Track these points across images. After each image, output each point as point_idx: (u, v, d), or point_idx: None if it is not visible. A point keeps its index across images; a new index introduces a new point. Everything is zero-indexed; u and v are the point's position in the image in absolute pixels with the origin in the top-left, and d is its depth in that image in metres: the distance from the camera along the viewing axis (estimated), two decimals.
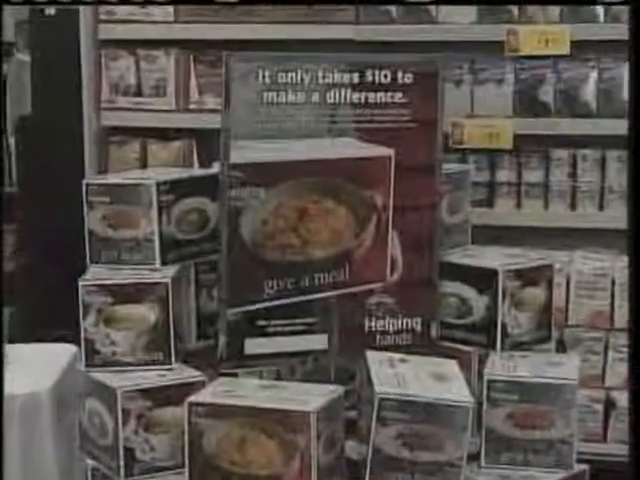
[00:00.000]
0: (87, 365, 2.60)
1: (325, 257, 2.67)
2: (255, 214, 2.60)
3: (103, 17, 3.68)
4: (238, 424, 2.39)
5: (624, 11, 3.09)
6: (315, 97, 2.61)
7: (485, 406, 2.57)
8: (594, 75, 3.40)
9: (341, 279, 2.69)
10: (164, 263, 2.64)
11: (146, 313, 2.58)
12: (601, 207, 3.44)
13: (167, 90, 3.70)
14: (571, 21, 3.35)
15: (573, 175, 3.48)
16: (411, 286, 2.74)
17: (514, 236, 3.36)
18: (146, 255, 2.63)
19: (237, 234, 2.59)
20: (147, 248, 2.63)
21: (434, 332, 2.78)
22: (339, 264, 2.68)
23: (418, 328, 2.77)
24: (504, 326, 2.72)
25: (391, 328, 2.75)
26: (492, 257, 2.80)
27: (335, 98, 2.62)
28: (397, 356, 2.61)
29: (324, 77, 2.61)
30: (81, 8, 3.63)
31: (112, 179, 2.78)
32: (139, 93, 3.74)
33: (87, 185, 2.68)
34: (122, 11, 3.65)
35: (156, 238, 2.63)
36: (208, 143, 3.45)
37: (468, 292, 2.76)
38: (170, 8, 3.61)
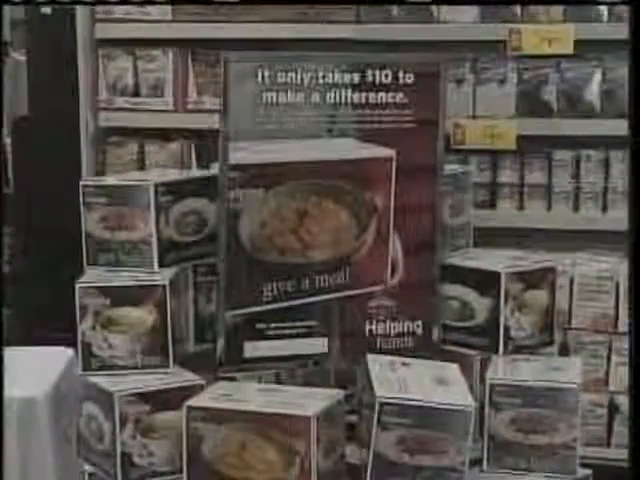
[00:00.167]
0: (84, 369, 2.59)
1: (325, 259, 2.66)
2: (254, 216, 2.60)
3: (100, 16, 3.68)
4: (237, 428, 2.39)
5: (628, 10, 3.09)
6: (315, 97, 2.61)
7: (487, 410, 2.57)
8: (598, 75, 3.40)
9: (341, 282, 2.69)
10: (162, 265, 2.64)
11: (144, 316, 2.58)
12: (604, 209, 3.44)
13: (165, 90, 3.70)
14: (574, 20, 3.35)
15: (576, 176, 3.48)
16: (412, 289, 2.74)
17: (516, 238, 3.36)
18: (144, 257, 2.63)
19: (236, 236, 2.59)
20: (145, 250, 2.63)
21: (435, 335, 2.78)
22: (339, 266, 2.68)
23: (419, 331, 2.77)
24: (506, 329, 2.72)
25: (392, 331, 2.75)
26: (494, 259, 2.80)
27: (335, 98, 2.62)
28: (398, 360, 2.61)
29: (324, 77, 2.61)
30: (78, 7, 3.63)
31: (109, 180, 2.78)
32: (137, 93, 3.74)
33: (84, 186, 2.68)
34: (119, 10, 3.65)
35: (154, 240, 2.63)
36: (206, 144, 3.46)
37: (470, 295, 2.76)
38: (168, 7, 3.62)
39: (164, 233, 2.65)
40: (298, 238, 2.64)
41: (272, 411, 2.38)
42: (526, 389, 2.56)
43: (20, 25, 4.33)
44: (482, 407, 2.56)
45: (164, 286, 2.58)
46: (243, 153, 2.56)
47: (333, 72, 2.61)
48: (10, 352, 2.48)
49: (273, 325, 2.65)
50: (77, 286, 2.58)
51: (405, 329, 2.76)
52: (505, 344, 2.72)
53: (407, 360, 2.62)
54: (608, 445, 3.39)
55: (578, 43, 3.33)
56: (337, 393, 2.50)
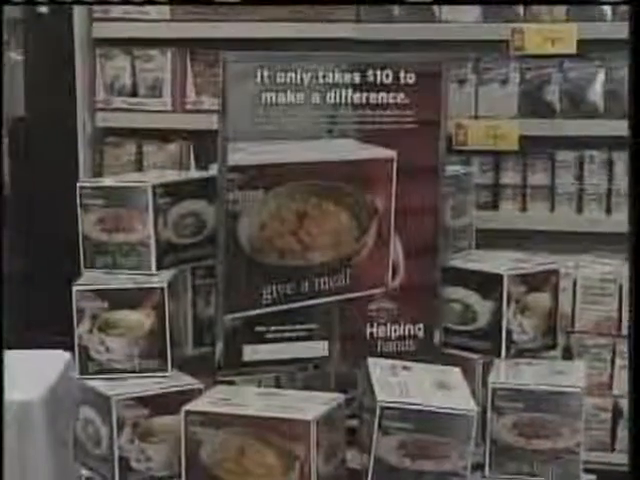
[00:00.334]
0: (81, 372, 2.59)
1: (325, 262, 2.66)
2: (253, 217, 2.60)
3: (98, 15, 3.69)
4: (236, 433, 2.39)
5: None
6: (315, 97, 2.61)
7: (489, 415, 2.56)
8: (601, 75, 3.41)
9: (342, 284, 2.69)
10: (160, 268, 2.64)
11: (142, 319, 2.58)
12: (608, 210, 3.44)
13: (163, 90, 3.71)
14: (578, 19, 3.36)
15: (579, 177, 3.48)
16: (413, 291, 2.74)
17: (519, 240, 3.36)
18: (142, 260, 2.63)
19: (235, 238, 2.59)
20: (143, 252, 2.63)
21: (437, 339, 2.77)
22: (339, 269, 2.68)
23: (421, 335, 2.77)
24: (509, 333, 2.72)
25: (393, 334, 2.75)
26: (496, 262, 2.80)
27: (336, 98, 2.62)
28: (399, 363, 2.61)
29: (324, 77, 2.61)
30: (76, 6, 3.63)
31: (107, 182, 2.78)
32: (134, 93, 3.75)
33: (81, 188, 2.67)
34: (117, 10, 3.66)
35: (152, 242, 2.63)
36: (205, 145, 3.46)
37: (472, 298, 2.75)
38: (166, 6, 3.62)
39: (162, 235, 2.65)
40: (298, 240, 2.64)
41: (271, 415, 2.38)
42: (529, 393, 2.56)
43: (17, 24, 4.33)
44: (484, 411, 2.56)
45: (162, 289, 2.58)
46: (242, 154, 2.56)
47: (333, 72, 2.61)
48: (6, 355, 2.48)
49: (273, 328, 2.65)
50: (74, 289, 2.58)
51: (406, 332, 2.76)
52: (507, 347, 2.72)
53: (408, 364, 2.61)
54: (612, 450, 3.39)
55: (581, 43, 3.33)
56: (337, 397, 2.50)
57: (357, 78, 2.63)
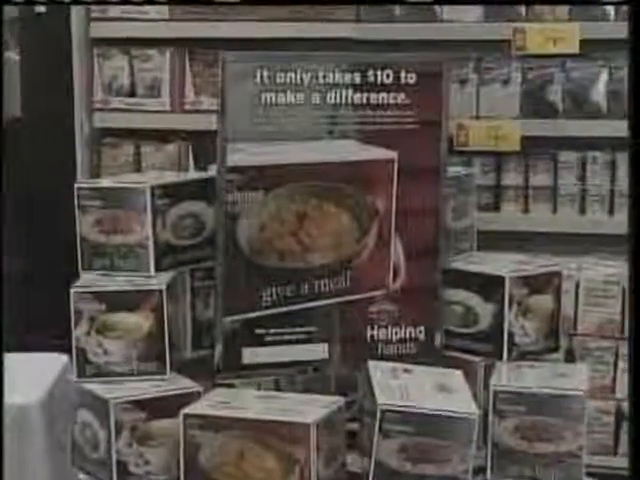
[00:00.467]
0: (79, 375, 2.59)
1: (325, 263, 2.67)
2: (253, 219, 2.60)
3: (95, 15, 3.69)
4: (235, 436, 2.39)
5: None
6: (315, 98, 2.61)
7: (491, 418, 2.57)
8: (604, 75, 3.41)
9: (342, 286, 2.69)
10: (159, 270, 2.64)
11: (140, 321, 2.58)
12: (611, 212, 3.45)
13: (162, 90, 3.71)
14: (580, 19, 3.36)
15: (582, 178, 3.48)
16: (414, 293, 2.75)
17: (521, 242, 3.37)
18: (140, 261, 2.63)
19: (234, 239, 2.59)
20: (141, 254, 2.63)
21: (438, 341, 2.78)
22: (340, 271, 2.68)
23: (422, 337, 2.77)
24: (511, 335, 2.72)
25: (394, 337, 2.75)
26: (498, 263, 2.80)
27: (336, 99, 2.63)
28: (400, 366, 2.61)
29: (324, 77, 2.61)
30: (73, 6, 3.64)
31: (105, 183, 2.78)
32: (133, 93, 3.75)
33: (79, 189, 2.68)
34: (115, 9, 3.66)
35: (150, 244, 2.63)
36: (204, 145, 3.47)
37: (473, 300, 2.76)
38: (165, 6, 3.62)
39: (161, 237, 2.66)
40: (298, 241, 2.65)
41: (271, 418, 2.38)
42: (531, 396, 2.56)
43: (13, 24, 4.34)
44: (486, 414, 2.56)
45: (161, 291, 2.59)
46: (241, 155, 2.57)
47: (333, 72, 2.61)
48: (4, 358, 2.48)
49: (272, 331, 2.65)
50: (72, 291, 2.58)
51: (407, 335, 2.76)
52: (509, 350, 2.73)
53: (409, 366, 2.62)
54: (615, 454, 3.40)
55: (584, 42, 3.34)
56: (337, 400, 2.51)
57: (357, 78, 2.64)
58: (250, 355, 2.65)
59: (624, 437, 3.36)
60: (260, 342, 2.65)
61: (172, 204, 2.68)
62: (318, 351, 2.70)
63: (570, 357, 3.32)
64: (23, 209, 4.00)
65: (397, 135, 2.67)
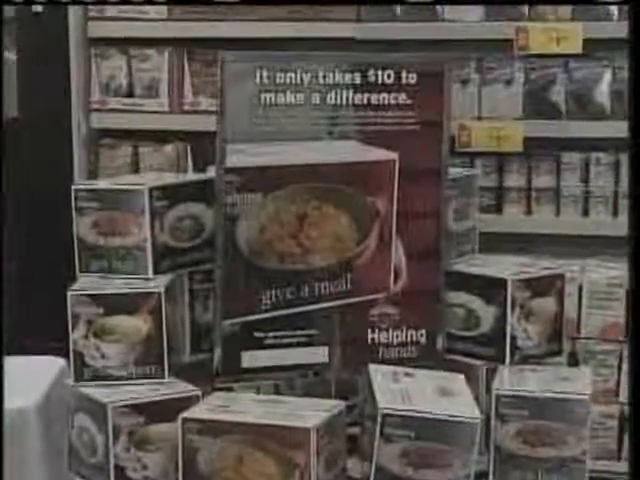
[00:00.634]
0: (76, 379, 2.59)
1: (326, 266, 2.67)
2: (252, 221, 2.60)
3: (93, 14, 3.69)
4: (234, 441, 2.39)
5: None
6: (315, 98, 2.61)
7: (493, 422, 2.57)
8: (607, 75, 3.42)
9: (342, 289, 2.69)
10: (157, 272, 2.64)
11: (138, 325, 2.58)
12: (615, 213, 3.45)
13: (160, 91, 3.71)
14: (583, 18, 3.36)
15: (585, 180, 3.49)
16: (416, 296, 2.75)
17: (523, 244, 3.37)
18: (138, 264, 2.63)
19: (233, 241, 2.60)
20: (139, 257, 2.63)
21: (440, 345, 2.78)
22: (340, 273, 2.68)
23: (423, 340, 2.77)
24: (513, 338, 2.72)
25: (395, 340, 2.75)
26: (500, 266, 2.80)
27: (336, 99, 2.63)
28: (401, 370, 2.61)
29: (324, 77, 2.61)
30: (73, 6, 3.64)
31: (102, 184, 2.78)
32: (131, 94, 3.75)
33: (76, 190, 2.68)
34: (113, 8, 3.66)
35: (148, 246, 2.63)
36: (203, 146, 3.47)
37: (475, 303, 2.76)
38: (163, 5, 3.63)
39: (159, 239, 2.66)
40: (298, 243, 2.65)
41: (271, 423, 2.38)
42: (533, 400, 2.56)
43: (10, 23, 4.34)
44: (488, 419, 2.56)
45: (159, 294, 2.59)
46: (241, 156, 2.57)
47: (334, 72, 2.61)
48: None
49: (272, 334, 2.65)
50: (69, 294, 2.58)
51: (408, 338, 2.76)
52: (512, 354, 2.73)
53: (410, 370, 2.62)
54: (619, 459, 3.40)
55: (587, 42, 3.34)
56: (338, 404, 2.50)
57: (358, 78, 2.64)
58: (249, 359, 2.65)
59: (628, 442, 3.36)
60: (260, 345, 2.65)
61: (170, 206, 2.68)
62: (318, 354, 2.70)
63: (573, 361, 3.32)
64: (19, 210, 4.00)
65: (398, 136, 2.67)
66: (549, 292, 2.77)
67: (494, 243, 3.04)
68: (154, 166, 3.70)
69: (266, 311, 2.63)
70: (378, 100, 2.65)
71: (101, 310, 2.57)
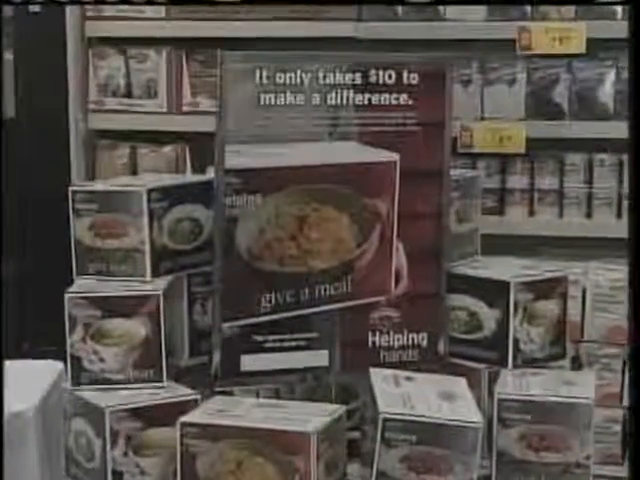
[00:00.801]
0: (73, 383, 2.60)
1: (326, 268, 2.67)
2: (252, 223, 2.60)
3: (91, 14, 3.69)
4: (233, 446, 2.39)
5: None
6: (315, 99, 2.61)
7: (496, 427, 2.57)
8: (611, 75, 3.41)
9: (343, 292, 2.70)
10: (155, 275, 2.65)
11: (136, 328, 2.58)
12: (619, 215, 3.45)
13: (158, 91, 3.71)
14: (587, 18, 3.36)
15: (589, 181, 3.48)
16: (417, 299, 2.75)
17: (526, 246, 3.37)
18: (136, 266, 2.63)
19: (233, 244, 2.60)
20: (137, 259, 2.63)
21: (442, 348, 2.78)
22: (341, 276, 2.69)
23: (425, 344, 2.77)
24: (516, 342, 2.72)
25: (396, 344, 2.75)
26: (503, 268, 2.80)
27: (337, 100, 2.63)
28: (402, 374, 2.61)
29: (325, 77, 2.62)
30: (73, 5, 3.64)
31: (100, 186, 2.78)
32: (129, 94, 3.75)
33: (73, 192, 2.68)
34: (111, 8, 3.66)
35: (147, 248, 2.63)
36: (202, 147, 3.47)
37: (477, 305, 2.76)
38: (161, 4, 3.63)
39: (157, 241, 2.66)
40: (297, 246, 2.65)
41: (270, 427, 2.38)
42: (536, 404, 2.56)
43: (7, 22, 4.34)
44: (490, 423, 2.56)
45: (157, 296, 2.59)
46: (240, 157, 2.57)
47: (334, 72, 2.62)
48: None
49: (271, 337, 2.65)
50: (66, 296, 2.58)
51: (410, 341, 2.76)
52: (514, 357, 2.73)
53: (412, 374, 2.62)
54: (623, 463, 3.39)
55: (591, 42, 3.33)
56: (339, 408, 2.50)
57: (359, 79, 2.64)
58: (249, 362, 2.65)
59: None
60: (259, 349, 2.65)
61: (169, 207, 2.68)
62: (318, 358, 2.70)
63: (577, 364, 3.32)
64: (16, 212, 4.00)
65: (399, 137, 2.67)
66: (552, 295, 2.78)
67: (496, 245, 3.04)
68: (152, 167, 3.69)
69: (265, 314, 2.63)
70: (379, 101, 2.66)
71: (99, 313, 2.57)
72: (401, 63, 2.67)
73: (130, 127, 3.73)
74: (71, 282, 2.66)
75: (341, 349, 2.71)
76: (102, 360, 2.59)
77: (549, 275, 2.80)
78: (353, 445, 2.60)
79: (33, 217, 3.94)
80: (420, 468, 2.41)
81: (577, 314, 3.36)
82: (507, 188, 3.54)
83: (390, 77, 2.66)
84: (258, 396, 2.76)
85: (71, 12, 3.67)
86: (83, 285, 2.64)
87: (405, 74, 2.67)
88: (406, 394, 2.50)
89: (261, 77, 2.56)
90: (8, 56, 4.35)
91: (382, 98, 2.66)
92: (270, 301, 2.63)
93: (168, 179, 2.90)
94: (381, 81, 2.65)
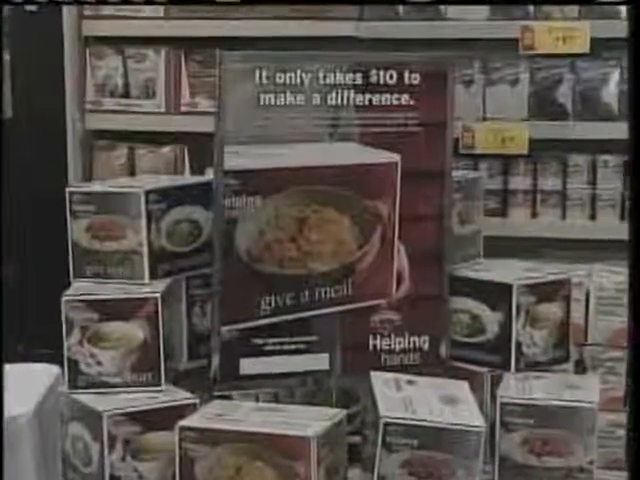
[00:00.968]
0: (70, 387, 2.60)
1: (326, 271, 2.67)
2: (251, 224, 2.61)
3: (88, 13, 3.69)
4: (233, 450, 2.39)
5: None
6: (316, 99, 2.62)
7: (498, 431, 2.57)
8: (615, 75, 3.42)
9: (343, 294, 2.70)
10: (153, 277, 2.65)
11: (134, 331, 2.58)
12: (622, 217, 3.45)
13: (157, 91, 3.72)
14: (591, 17, 3.36)
15: (593, 182, 3.48)
16: (419, 302, 2.75)
17: (529, 248, 3.37)
18: (134, 269, 2.64)
19: (232, 246, 2.60)
20: (135, 261, 2.63)
21: (443, 351, 2.78)
22: (341, 278, 2.69)
23: (426, 347, 2.77)
24: (519, 345, 2.73)
25: (397, 347, 2.76)
26: (505, 271, 2.80)
27: (337, 100, 2.63)
28: (404, 377, 2.61)
29: (325, 77, 2.62)
30: (72, 5, 3.64)
31: (97, 187, 2.78)
32: (127, 94, 3.76)
33: (70, 193, 2.68)
34: (108, 7, 3.66)
35: (145, 250, 2.64)
36: (201, 148, 3.47)
37: (480, 308, 2.76)
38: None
39: (156, 243, 2.66)
40: (298, 248, 2.65)
41: (270, 432, 2.38)
42: (539, 408, 2.56)
43: (4, 22, 4.34)
44: (493, 427, 2.56)
45: (156, 299, 2.59)
46: (240, 158, 2.57)
47: (335, 72, 2.62)
48: None
49: (271, 340, 2.66)
50: (63, 299, 2.58)
51: (411, 345, 2.77)
52: (517, 361, 2.73)
53: (413, 377, 2.62)
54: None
55: (595, 41, 3.34)
56: (339, 413, 2.50)
57: (359, 79, 2.64)
58: (248, 366, 2.65)
59: None
60: (259, 352, 2.65)
61: (167, 209, 2.68)
62: (319, 361, 2.70)
63: (580, 368, 3.32)
64: (12, 214, 4.00)
65: (400, 138, 2.67)
66: (555, 297, 2.78)
67: (499, 247, 3.04)
68: (150, 168, 3.70)
69: (265, 317, 2.64)
70: (380, 101, 2.66)
71: (96, 316, 2.57)
72: (402, 63, 2.67)
73: (128, 127, 3.74)
74: (68, 284, 2.66)
75: (342, 352, 2.72)
76: (99, 363, 2.59)
77: (552, 277, 2.80)
78: (354, 450, 2.60)
79: (30, 218, 3.94)
80: (421, 473, 2.41)
81: (581, 317, 3.36)
82: (509, 189, 3.54)
83: (391, 77, 2.66)
84: (257, 400, 2.76)
85: (68, 11, 3.68)
86: (80, 288, 2.64)
87: (406, 74, 2.67)
88: (407, 398, 2.50)
89: (261, 77, 2.56)
90: (5, 56, 4.35)
91: (383, 98, 2.66)
92: (270, 304, 2.63)
93: (166, 180, 2.90)
94: (382, 81, 2.66)
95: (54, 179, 3.51)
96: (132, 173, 3.73)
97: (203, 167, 2.96)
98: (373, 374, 2.60)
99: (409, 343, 2.76)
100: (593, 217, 3.49)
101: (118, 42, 3.72)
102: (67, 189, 2.70)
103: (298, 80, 2.59)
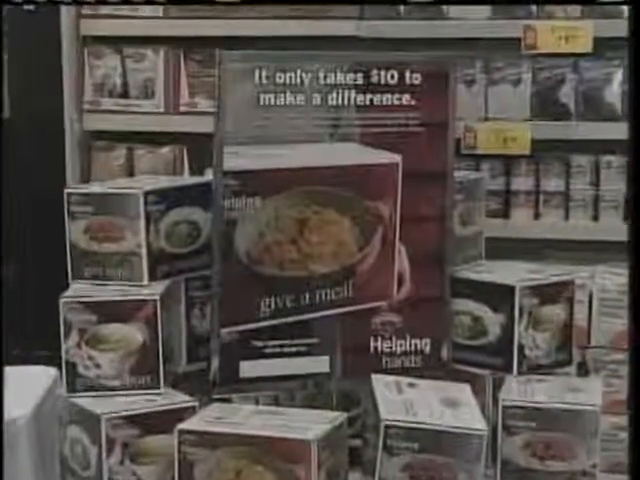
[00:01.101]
0: (69, 390, 2.60)
1: (327, 272, 2.67)
2: (251, 226, 2.61)
3: (86, 12, 3.70)
4: (232, 454, 2.39)
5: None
6: (316, 99, 2.62)
7: (500, 434, 2.57)
8: (618, 75, 3.42)
9: (344, 296, 2.70)
10: (152, 279, 2.65)
11: (133, 333, 2.58)
12: (626, 218, 3.45)
13: (155, 91, 3.72)
14: (593, 17, 3.36)
15: (595, 183, 3.48)
16: (420, 304, 2.75)
17: (531, 249, 3.37)
18: (133, 270, 2.64)
19: (232, 247, 2.60)
20: (134, 263, 2.64)
21: (445, 354, 2.78)
22: (342, 280, 2.69)
23: (428, 349, 2.77)
24: (521, 347, 2.72)
25: (398, 349, 2.76)
26: (508, 272, 2.80)
27: (338, 100, 2.63)
28: (405, 380, 2.61)
29: (326, 77, 2.62)
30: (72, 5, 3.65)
31: (96, 188, 2.78)
32: (125, 94, 3.76)
33: (68, 194, 2.68)
34: (107, 6, 3.66)
35: (144, 252, 2.64)
36: (200, 149, 3.47)
37: (482, 310, 2.76)
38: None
39: (154, 244, 2.66)
40: (298, 249, 2.65)
41: (270, 435, 2.38)
42: (542, 411, 2.56)
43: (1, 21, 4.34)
44: (495, 430, 2.56)
45: (155, 301, 2.59)
46: (239, 159, 2.57)
47: (335, 72, 2.62)
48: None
49: (271, 343, 2.65)
50: (61, 301, 2.58)
51: (412, 347, 2.77)
52: (519, 363, 2.73)
53: (414, 380, 2.62)
54: None
55: (597, 41, 3.34)
56: (340, 416, 2.50)
57: (360, 78, 2.64)
58: (248, 368, 2.65)
59: None
60: (258, 355, 2.65)
61: (166, 210, 2.68)
62: (319, 364, 2.70)
63: (583, 370, 3.32)
64: (11, 215, 4.00)
65: (401, 138, 2.67)
66: (558, 299, 2.78)
67: (501, 248, 3.04)
68: (149, 169, 3.70)
69: (265, 319, 2.63)
70: (381, 101, 2.66)
71: (94, 318, 2.58)
72: (403, 63, 2.67)
73: (126, 128, 3.74)
74: (67, 286, 2.66)
75: (342, 355, 2.72)
76: (98, 366, 2.59)
77: (555, 279, 2.80)
78: (354, 453, 2.60)
79: (28, 219, 3.94)
80: (422, 476, 2.41)
81: (583, 319, 3.36)
82: (512, 190, 3.54)
83: (392, 77, 2.66)
84: (257, 403, 2.76)
85: (66, 11, 3.68)
86: (79, 289, 2.64)
87: (407, 74, 2.67)
88: (408, 401, 2.50)
89: (260, 77, 2.56)
90: (2, 55, 4.36)
91: (384, 98, 2.66)
92: (270, 306, 2.63)
93: (165, 181, 2.90)
94: (383, 81, 2.66)
95: (53, 180, 3.51)
96: (131, 174, 3.73)
97: (202, 168, 2.96)
98: (374, 377, 2.61)
99: (410, 345, 2.76)
100: (596, 218, 3.49)
101: (117, 42, 3.72)
102: (65, 190, 2.70)
103: (298, 80, 2.59)
